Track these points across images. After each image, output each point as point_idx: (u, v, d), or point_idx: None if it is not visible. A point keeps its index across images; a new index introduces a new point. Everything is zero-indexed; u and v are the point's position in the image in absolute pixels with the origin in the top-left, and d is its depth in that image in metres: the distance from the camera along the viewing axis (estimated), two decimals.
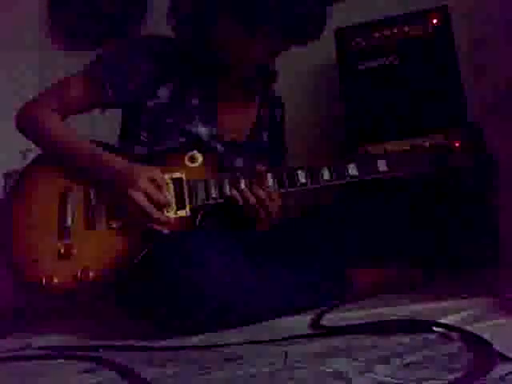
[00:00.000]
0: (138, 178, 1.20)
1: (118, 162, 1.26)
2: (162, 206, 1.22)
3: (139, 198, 1.19)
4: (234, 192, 1.27)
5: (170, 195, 1.25)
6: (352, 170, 1.30)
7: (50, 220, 1.26)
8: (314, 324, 1.13)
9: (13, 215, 1.28)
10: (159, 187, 1.22)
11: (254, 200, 1.26)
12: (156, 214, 1.21)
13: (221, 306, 1.16)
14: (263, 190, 1.26)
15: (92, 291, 1.21)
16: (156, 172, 1.24)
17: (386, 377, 0.73)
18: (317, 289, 1.35)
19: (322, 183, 1.29)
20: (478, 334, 0.86)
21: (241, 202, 1.26)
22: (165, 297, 1.14)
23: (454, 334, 0.90)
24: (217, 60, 1.39)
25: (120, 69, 1.35)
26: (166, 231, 1.22)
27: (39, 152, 1.37)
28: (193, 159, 1.31)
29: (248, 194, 1.26)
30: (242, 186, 1.27)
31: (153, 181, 1.22)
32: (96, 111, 1.42)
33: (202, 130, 1.40)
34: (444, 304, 1.17)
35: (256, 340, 1.03)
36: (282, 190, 1.29)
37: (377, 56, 1.77)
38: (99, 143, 1.33)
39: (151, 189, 1.21)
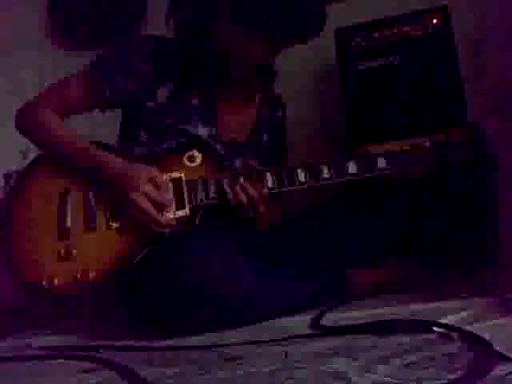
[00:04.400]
0: (139, 180, 1.21)
1: (118, 162, 1.25)
2: (162, 207, 1.22)
3: (140, 200, 1.20)
4: (228, 190, 1.27)
5: (169, 195, 1.25)
6: (351, 168, 1.30)
7: (49, 220, 1.26)
8: (314, 324, 1.13)
9: (13, 216, 1.28)
10: (158, 187, 1.22)
11: (244, 198, 1.25)
12: (157, 215, 1.21)
13: (221, 305, 1.16)
14: (255, 189, 1.26)
15: (92, 291, 1.21)
16: (155, 172, 1.24)
17: (385, 377, 0.73)
18: (317, 289, 1.35)
19: (322, 182, 1.29)
20: (478, 333, 0.86)
21: (231, 199, 1.25)
22: (165, 297, 1.14)
23: (454, 334, 0.90)
24: (217, 60, 1.39)
25: (120, 69, 1.35)
26: (166, 233, 1.22)
27: (39, 152, 1.37)
28: (192, 159, 1.31)
29: (238, 191, 1.26)
30: (236, 184, 1.27)
31: (152, 181, 1.22)
32: (96, 111, 1.42)
33: (202, 131, 1.39)
34: (444, 304, 1.17)
35: (256, 340, 1.03)
36: (283, 189, 1.29)
37: (377, 56, 1.76)
38: (99, 143, 1.33)
39: (152, 191, 1.21)
